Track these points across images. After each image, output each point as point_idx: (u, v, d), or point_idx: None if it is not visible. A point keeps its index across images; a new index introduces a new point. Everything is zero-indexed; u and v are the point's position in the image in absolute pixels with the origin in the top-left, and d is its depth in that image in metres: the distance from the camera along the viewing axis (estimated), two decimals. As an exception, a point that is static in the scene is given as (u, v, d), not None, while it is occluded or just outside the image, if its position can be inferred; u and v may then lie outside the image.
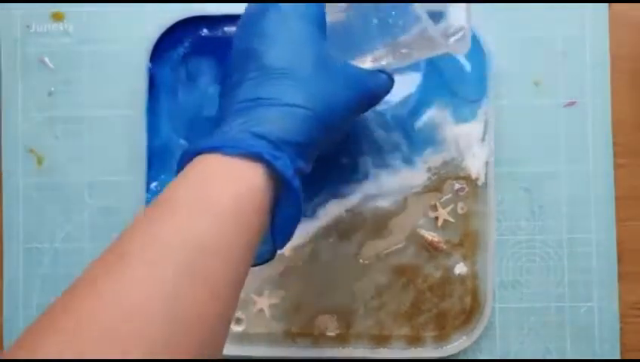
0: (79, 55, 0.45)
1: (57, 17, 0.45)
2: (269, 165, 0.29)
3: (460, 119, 0.43)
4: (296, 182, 0.30)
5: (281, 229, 0.31)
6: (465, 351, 0.43)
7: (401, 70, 0.42)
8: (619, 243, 0.43)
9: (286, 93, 0.31)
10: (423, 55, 0.35)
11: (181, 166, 0.31)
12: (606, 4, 0.44)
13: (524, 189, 0.44)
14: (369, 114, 0.43)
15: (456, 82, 0.43)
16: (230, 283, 0.27)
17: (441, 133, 0.43)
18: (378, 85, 0.35)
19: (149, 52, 0.44)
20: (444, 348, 0.43)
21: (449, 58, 0.43)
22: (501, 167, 0.43)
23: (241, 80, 0.32)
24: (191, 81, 0.44)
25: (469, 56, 0.43)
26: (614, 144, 0.44)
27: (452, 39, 0.34)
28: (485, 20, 0.44)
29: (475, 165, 0.43)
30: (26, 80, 0.45)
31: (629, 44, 0.44)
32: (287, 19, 0.33)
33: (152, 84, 0.44)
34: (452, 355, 0.43)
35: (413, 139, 0.43)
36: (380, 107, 0.43)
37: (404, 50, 0.34)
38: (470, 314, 0.43)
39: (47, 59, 0.45)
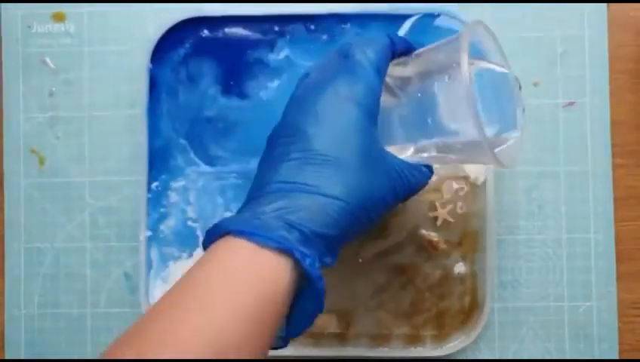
0: (80, 55, 0.45)
1: (58, 18, 0.45)
2: (296, 261, 0.29)
3: (459, 119, 0.43)
4: (321, 283, 0.30)
5: (298, 323, 0.31)
6: (464, 350, 0.43)
7: None
8: (617, 243, 0.43)
9: (327, 183, 0.31)
10: (466, 161, 0.35)
11: (210, 240, 0.31)
12: (604, 5, 0.44)
13: (523, 189, 0.44)
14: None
15: (455, 83, 0.43)
16: None
17: (441, 134, 0.43)
18: (417, 180, 0.34)
19: (150, 53, 0.44)
20: (444, 347, 0.43)
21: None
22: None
23: (283, 157, 0.32)
24: (191, 82, 0.44)
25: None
26: (613, 144, 0.44)
27: (500, 148, 0.34)
28: (484, 20, 0.44)
29: (474, 165, 0.43)
30: (27, 80, 0.45)
31: (628, 44, 0.44)
32: (342, 104, 0.32)
33: (153, 84, 0.44)
34: (451, 354, 0.43)
35: (412, 139, 0.43)
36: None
37: (451, 155, 0.34)
38: (469, 313, 0.43)
39: (48, 60, 0.45)
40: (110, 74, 0.45)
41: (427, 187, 0.43)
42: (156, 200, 0.44)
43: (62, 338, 0.45)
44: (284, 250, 0.29)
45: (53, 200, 0.45)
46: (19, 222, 0.45)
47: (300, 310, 0.31)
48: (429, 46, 0.36)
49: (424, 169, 0.35)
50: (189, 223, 0.44)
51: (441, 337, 0.43)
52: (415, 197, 0.43)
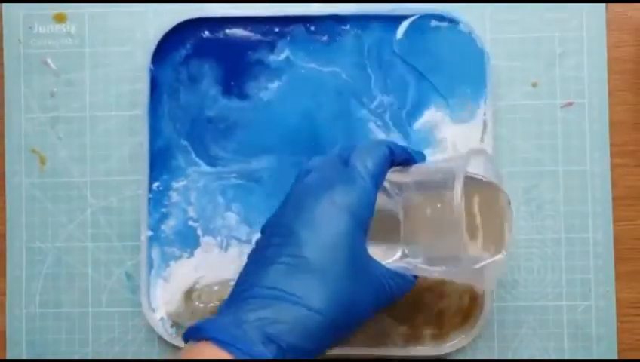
0: (81, 56, 0.45)
1: (60, 19, 0.46)
2: None
3: (458, 120, 0.43)
4: None
5: None
6: (463, 349, 0.43)
7: None
8: (616, 243, 0.43)
9: (312, 295, 0.31)
10: (450, 277, 0.36)
11: (189, 339, 0.31)
12: (603, 5, 0.44)
13: (522, 189, 0.44)
14: (367, 115, 0.44)
15: (454, 83, 0.43)
16: None
17: (440, 134, 0.44)
18: (400, 287, 0.34)
19: (151, 53, 0.44)
20: (443, 346, 0.43)
21: (448, 59, 0.43)
22: (499, 167, 0.44)
23: (273, 259, 0.32)
24: (192, 83, 0.44)
25: (467, 57, 0.43)
26: (611, 144, 0.44)
27: (484, 264, 0.35)
28: (484, 21, 0.44)
29: (473, 165, 0.43)
30: (28, 81, 0.46)
31: (627, 44, 0.44)
32: (337, 214, 0.32)
33: (154, 85, 0.44)
34: (450, 354, 0.43)
35: (412, 139, 0.44)
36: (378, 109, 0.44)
37: (436, 268, 0.35)
38: (469, 312, 0.43)
39: (49, 60, 0.46)
40: (111, 74, 0.45)
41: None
42: (157, 200, 0.44)
43: (63, 338, 0.45)
44: None
45: (55, 200, 0.45)
46: (20, 222, 0.45)
47: None
48: (428, 163, 0.38)
49: (409, 278, 0.35)
50: (190, 223, 0.44)
51: (440, 336, 0.43)
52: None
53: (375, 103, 0.44)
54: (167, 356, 0.44)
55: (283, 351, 0.30)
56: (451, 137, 0.43)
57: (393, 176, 0.36)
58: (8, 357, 0.45)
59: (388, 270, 0.34)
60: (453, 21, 0.43)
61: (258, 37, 0.44)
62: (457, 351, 0.43)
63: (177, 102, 0.44)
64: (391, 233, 0.35)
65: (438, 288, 0.43)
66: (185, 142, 0.44)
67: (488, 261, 0.35)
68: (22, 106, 0.46)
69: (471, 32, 0.43)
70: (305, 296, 0.31)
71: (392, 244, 0.35)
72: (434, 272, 0.36)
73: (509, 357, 0.43)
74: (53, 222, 0.45)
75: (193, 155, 0.44)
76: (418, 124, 0.44)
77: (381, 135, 0.44)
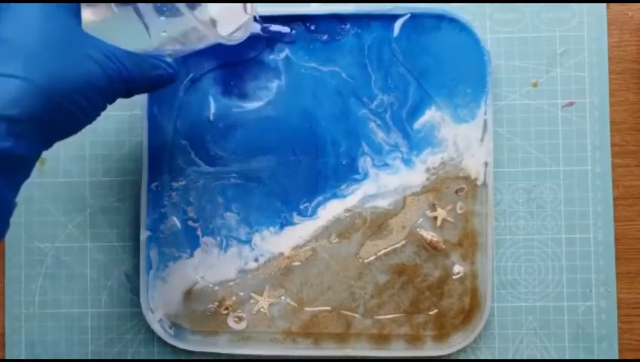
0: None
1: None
2: None
3: (458, 120, 0.43)
4: None
5: None
6: (464, 350, 0.43)
7: None
8: (617, 243, 0.43)
9: (3, 62, 0.28)
10: (195, 44, 0.36)
11: None
12: (604, 5, 0.44)
13: (523, 189, 0.44)
14: (368, 114, 0.44)
15: (455, 83, 0.43)
16: None
17: (440, 134, 0.43)
18: (140, 66, 0.33)
19: (150, 53, 0.44)
20: (444, 347, 0.43)
21: (448, 59, 0.43)
22: (500, 168, 0.44)
23: None
24: (192, 82, 0.44)
25: (468, 57, 0.43)
26: (612, 144, 0.44)
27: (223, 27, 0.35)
28: (484, 21, 0.44)
29: (473, 165, 0.43)
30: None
31: (628, 44, 0.44)
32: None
33: (153, 84, 0.44)
34: (451, 354, 0.43)
35: (412, 139, 0.44)
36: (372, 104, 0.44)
37: (177, 46, 0.35)
38: (469, 313, 0.43)
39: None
40: (110, 74, 0.45)
41: (426, 187, 0.43)
42: (157, 200, 0.44)
43: (62, 338, 0.45)
44: None
45: (54, 200, 0.45)
46: (19, 222, 0.45)
47: None
48: None
49: (158, 63, 0.34)
50: (189, 223, 0.44)
51: (441, 337, 0.43)
52: (414, 197, 0.43)
53: (375, 103, 0.44)
54: (166, 356, 0.44)
55: None
56: (452, 137, 0.43)
57: None
58: (7, 357, 0.45)
59: (114, 47, 0.32)
60: (453, 20, 0.43)
61: (258, 36, 0.44)
62: (458, 351, 0.43)
63: (177, 101, 0.44)
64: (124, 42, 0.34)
65: (438, 289, 0.43)
66: (184, 142, 0.44)
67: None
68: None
69: (472, 31, 0.43)
70: (8, 67, 0.28)
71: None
72: (182, 47, 0.35)
73: (510, 357, 0.43)
74: (52, 222, 0.45)
75: (193, 155, 0.44)
76: (418, 124, 0.44)
77: (381, 135, 0.44)
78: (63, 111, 0.30)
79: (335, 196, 0.44)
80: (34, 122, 0.29)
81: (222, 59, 0.44)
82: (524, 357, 0.43)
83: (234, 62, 0.44)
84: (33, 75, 0.28)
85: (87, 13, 0.33)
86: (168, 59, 0.35)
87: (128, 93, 0.34)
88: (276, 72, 0.44)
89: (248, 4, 0.38)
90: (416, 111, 0.44)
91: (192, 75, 0.44)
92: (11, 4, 0.30)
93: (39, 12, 0.30)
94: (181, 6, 0.32)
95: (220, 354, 0.44)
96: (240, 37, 0.38)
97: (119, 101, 0.45)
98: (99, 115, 0.32)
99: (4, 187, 0.29)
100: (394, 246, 0.43)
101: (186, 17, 0.32)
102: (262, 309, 0.44)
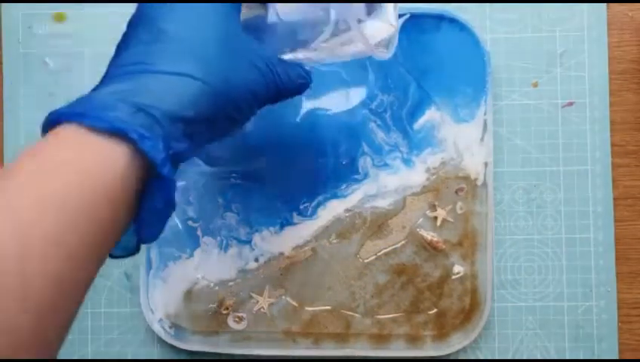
0: (80, 56, 0.45)
1: (59, 18, 0.46)
2: (135, 146, 0.25)
3: (458, 119, 0.43)
4: (167, 169, 0.26)
5: (148, 223, 0.27)
6: (464, 350, 0.43)
7: (346, 84, 0.43)
8: (617, 243, 0.43)
9: (179, 61, 0.27)
10: (344, 55, 0.34)
11: (44, 131, 0.26)
12: (604, 5, 0.44)
13: (523, 189, 0.44)
14: (368, 114, 0.44)
15: (455, 83, 0.43)
16: (75, 280, 0.24)
17: (440, 134, 0.43)
18: (289, 75, 0.32)
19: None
20: (443, 347, 0.43)
21: (448, 59, 0.43)
22: (500, 167, 0.44)
23: (129, 43, 0.29)
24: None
25: (468, 57, 0.43)
26: (612, 144, 0.44)
27: (377, 41, 0.34)
28: (484, 21, 0.44)
29: (473, 165, 0.43)
30: (27, 81, 0.46)
31: (628, 44, 0.44)
32: None
33: (153, 84, 0.44)
34: (451, 354, 0.43)
35: (412, 139, 0.44)
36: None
37: (323, 55, 0.34)
38: (469, 313, 0.43)
39: (48, 60, 0.45)
40: (110, 74, 0.45)
41: (426, 187, 0.43)
42: (156, 200, 0.44)
43: (62, 338, 0.45)
44: (117, 132, 0.25)
45: (54, 200, 0.45)
46: (19, 222, 0.45)
47: (147, 208, 0.27)
48: None
49: (298, 68, 0.33)
50: (190, 223, 0.44)
51: (441, 337, 0.43)
52: (415, 197, 0.43)
53: (375, 103, 0.44)
54: (166, 356, 0.44)
55: (154, 118, 0.26)
56: (452, 137, 0.43)
57: None
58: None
59: (274, 55, 0.32)
60: (453, 21, 0.43)
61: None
62: (458, 351, 0.43)
63: (177, 101, 0.44)
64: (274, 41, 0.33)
65: (438, 289, 0.43)
66: (184, 142, 0.44)
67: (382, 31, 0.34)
68: (21, 106, 0.45)
69: (471, 31, 0.43)
70: (173, 64, 0.27)
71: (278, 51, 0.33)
72: (320, 46, 0.33)
73: (510, 357, 0.43)
74: (52, 223, 0.45)
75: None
76: (418, 124, 0.44)
77: (381, 135, 0.44)
78: (227, 115, 0.29)
79: (335, 196, 0.44)
80: (204, 124, 0.28)
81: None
82: (524, 357, 0.43)
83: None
84: (209, 77, 0.28)
85: (244, 8, 0.33)
86: (307, 67, 0.34)
87: (275, 101, 0.33)
88: (276, 72, 0.44)
89: (392, 15, 0.36)
90: (416, 111, 0.44)
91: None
92: (178, 3, 0.29)
93: (213, 12, 0.29)
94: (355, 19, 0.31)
95: (220, 354, 0.44)
96: (388, 53, 0.35)
97: (119, 101, 0.45)
98: (249, 120, 0.31)
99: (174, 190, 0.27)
100: (394, 246, 0.43)
101: (353, 30, 0.32)
102: (262, 309, 0.44)
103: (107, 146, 0.25)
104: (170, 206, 0.27)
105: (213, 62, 0.28)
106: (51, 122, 0.26)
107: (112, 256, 0.27)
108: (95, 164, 0.25)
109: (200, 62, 0.28)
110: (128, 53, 0.28)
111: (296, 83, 0.33)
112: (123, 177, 0.25)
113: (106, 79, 0.28)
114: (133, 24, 0.30)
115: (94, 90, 0.28)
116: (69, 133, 0.25)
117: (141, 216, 0.27)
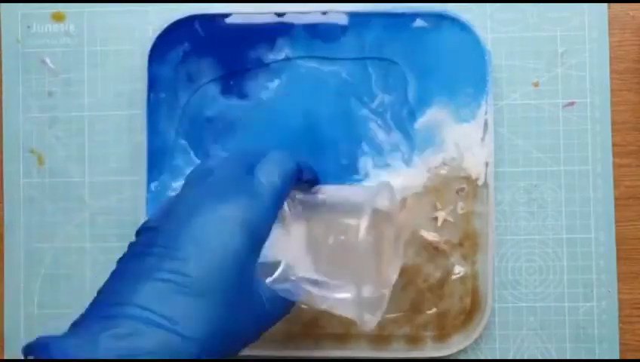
0: (80, 55, 0.45)
1: (58, 17, 0.45)
2: None
3: (459, 119, 0.43)
4: None
5: None
6: (465, 350, 0.43)
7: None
8: (618, 244, 0.43)
9: (187, 321, 0.27)
10: (328, 307, 0.35)
11: (30, 353, 0.26)
12: (605, 5, 0.44)
13: (524, 189, 0.44)
14: (368, 114, 0.43)
15: (455, 82, 0.43)
16: None
17: (441, 134, 0.43)
18: (278, 313, 0.33)
19: (149, 51, 0.44)
20: (444, 348, 0.43)
21: (449, 58, 0.43)
22: (501, 168, 0.44)
23: (150, 272, 0.28)
24: (191, 82, 0.44)
25: (469, 57, 0.43)
26: (613, 144, 0.44)
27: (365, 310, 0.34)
28: (485, 20, 0.44)
29: (474, 165, 0.43)
30: (26, 80, 0.45)
31: (629, 44, 0.44)
32: (231, 230, 0.29)
33: (153, 84, 0.44)
34: (452, 355, 0.43)
35: (412, 139, 0.43)
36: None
37: (315, 290, 0.34)
38: (470, 314, 0.43)
39: (47, 60, 0.45)
40: (110, 74, 0.45)
41: (427, 187, 0.43)
42: (156, 200, 0.44)
43: (61, 339, 0.44)
44: None
45: (53, 200, 0.45)
46: (18, 222, 0.45)
47: None
48: (335, 187, 0.38)
49: (288, 302, 0.33)
50: (189, 223, 0.44)
51: (441, 338, 0.43)
52: (415, 197, 0.43)
53: (376, 102, 0.44)
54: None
55: None
56: (453, 137, 0.43)
57: (296, 192, 0.35)
58: (7, 357, 0.44)
59: (269, 289, 0.32)
60: (454, 20, 0.43)
61: (257, 35, 0.44)
62: (459, 352, 0.43)
63: (176, 101, 0.44)
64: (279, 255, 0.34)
65: (439, 290, 0.43)
66: (184, 142, 0.44)
67: (376, 295, 0.35)
68: (20, 106, 0.45)
69: (472, 31, 0.43)
70: (181, 322, 0.27)
71: (276, 258, 0.33)
72: (317, 298, 0.34)
73: (511, 357, 0.43)
74: (51, 223, 0.45)
75: (192, 155, 0.44)
76: (419, 124, 0.43)
77: (382, 134, 0.43)
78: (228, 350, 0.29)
79: (335, 196, 0.44)
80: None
81: (226, 68, 0.44)
82: (525, 358, 0.43)
83: (233, 61, 0.44)
84: (208, 340, 0.27)
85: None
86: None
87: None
88: (276, 71, 0.44)
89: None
90: (417, 111, 0.43)
91: (191, 74, 0.44)
92: (208, 236, 0.28)
93: (238, 262, 0.29)
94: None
95: (219, 355, 0.43)
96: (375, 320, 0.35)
97: (119, 101, 0.45)
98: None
99: None
100: (394, 247, 0.43)
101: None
102: (262, 310, 0.43)
103: None
104: None
105: (219, 327, 0.28)
106: (40, 353, 0.26)
107: None
108: None
109: (207, 327, 0.27)
110: (143, 292, 0.27)
111: (281, 313, 0.34)
112: None
113: (112, 315, 0.27)
114: (159, 244, 0.29)
115: (96, 327, 0.26)
116: None
117: None
